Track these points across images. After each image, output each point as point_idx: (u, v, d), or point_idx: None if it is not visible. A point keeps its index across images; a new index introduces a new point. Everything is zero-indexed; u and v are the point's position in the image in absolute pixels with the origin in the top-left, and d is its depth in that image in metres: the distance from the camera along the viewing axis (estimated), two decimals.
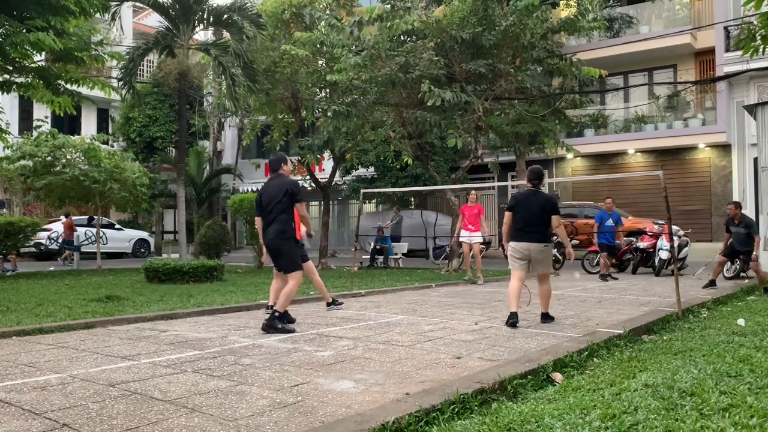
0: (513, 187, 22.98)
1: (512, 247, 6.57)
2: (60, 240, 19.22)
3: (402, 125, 15.13)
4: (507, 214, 6.70)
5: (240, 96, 16.31)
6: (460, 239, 12.02)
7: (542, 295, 6.58)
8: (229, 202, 16.63)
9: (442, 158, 22.62)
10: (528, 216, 6.50)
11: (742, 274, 11.84)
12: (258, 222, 6.43)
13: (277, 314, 6.03)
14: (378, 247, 17.52)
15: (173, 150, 28.47)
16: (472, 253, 11.93)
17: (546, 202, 6.57)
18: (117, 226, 24.58)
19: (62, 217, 19.83)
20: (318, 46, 15.41)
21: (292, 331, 6.00)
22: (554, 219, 6.50)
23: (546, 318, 6.58)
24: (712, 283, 10.21)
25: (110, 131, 28.97)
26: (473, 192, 12.08)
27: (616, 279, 12.30)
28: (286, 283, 6.26)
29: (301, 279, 6.32)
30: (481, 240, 11.89)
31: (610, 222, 12.54)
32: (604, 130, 21.50)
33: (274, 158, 6.54)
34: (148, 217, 28.84)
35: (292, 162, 24.01)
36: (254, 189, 28.49)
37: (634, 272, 13.82)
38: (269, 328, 5.97)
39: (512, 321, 6.26)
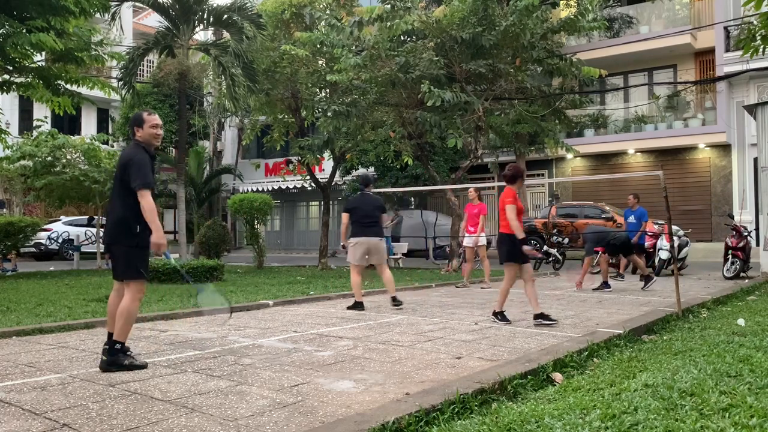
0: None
1: (357, 242, 7.84)
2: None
3: (402, 125, 15.13)
4: (345, 215, 7.96)
5: (240, 96, 16.30)
6: (464, 243, 11.42)
7: (387, 282, 7.92)
8: (229, 202, 16.63)
9: (442, 158, 22.63)
10: (365, 216, 7.86)
11: (742, 274, 11.84)
12: None
13: (118, 345, 4.37)
14: None
15: (173, 150, 28.47)
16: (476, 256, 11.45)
17: (377, 202, 8.06)
18: None
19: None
20: (318, 46, 15.42)
21: (144, 366, 4.40)
22: (383, 217, 8.10)
23: (395, 301, 7.76)
24: (605, 285, 10.19)
25: (110, 131, 28.96)
26: (471, 189, 11.49)
27: (623, 279, 12.06)
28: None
29: (143, 291, 4.55)
30: (483, 242, 11.25)
31: (632, 219, 12.07)
32: (604, 130, 21.53)
33: (131, 118, 4.77)
34: None
35: (291, 162, 24.06)
36: (254, 189, 28.54)
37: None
38: (111, 365, 4.31)
39: (358, 309, 7.66)
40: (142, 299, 4.58)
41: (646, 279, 10.30)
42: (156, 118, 4.68)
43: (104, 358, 4.33)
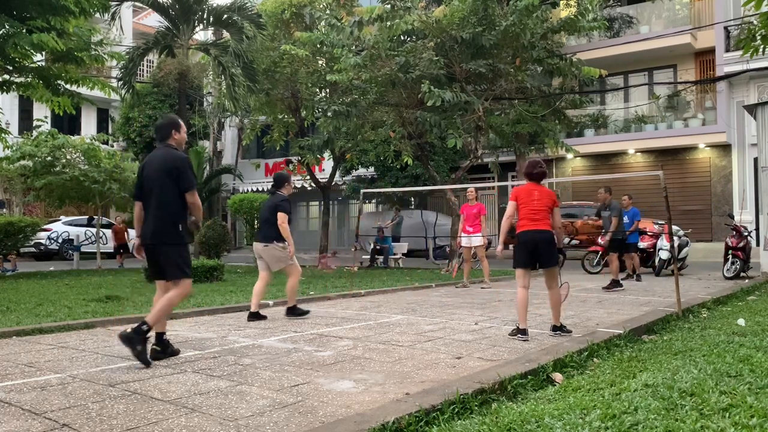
0: (513, 187, 23.00)
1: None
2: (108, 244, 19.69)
3: (402, 125, 15.14)
4: None
5: (240, 96, 16.33)
6: (462, 244, 11.25)
7: (287, 290, 7.11)
8: (229, 202, 16.65)
9: (442, 158, 22.63)
10: (261, 219, 7.10)
11: (742, 274, 11.84)
12: (137, 208, 4.81)
13: (145, 326, 4.45)
14: (378, 247, 17.52)
15: None
16: (474, 256, 11.34)
17: (272, 201, 6.99)
18: None
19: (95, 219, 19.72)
20: (318, 46, 15.43)
21: (147, 365, 4.43)
22: (279, 216, 6.78)
23: (291, 311, 7.05)
24: (616, 283, 10.16)
25: (110, 131, 28.98)
26: (471, 189, 11.36)
27: (639, 277, 12.03)
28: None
29: (189, 288, 4.78)
30: (480, 242, 11.03)
31: (626, 220, 12.20)
32: (604, 130, 21.52)
33: (162, 122, 4.91)
34: None
35: (291, 162, 24.04)
36: (254, 189, 28.55)
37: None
38: (126, 339, 4.39)
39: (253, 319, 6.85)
40: (187, 297, 4.82)
41: (615, 283, 10.29)
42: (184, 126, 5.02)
43: (127, 330, 4.39)
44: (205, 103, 29.67)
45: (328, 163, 21.30)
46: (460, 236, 11.26)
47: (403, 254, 18.49)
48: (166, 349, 4.77)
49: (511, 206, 5.89)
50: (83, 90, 14.49)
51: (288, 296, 7.17)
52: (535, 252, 5.70)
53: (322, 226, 18.06)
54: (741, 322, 6.14)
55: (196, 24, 17.98)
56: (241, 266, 16.38)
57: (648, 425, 2.94)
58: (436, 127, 13.62)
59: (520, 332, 5.56)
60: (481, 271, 11.53)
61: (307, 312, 7.17)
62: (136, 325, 4.43)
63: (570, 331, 5.70)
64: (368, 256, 17.75)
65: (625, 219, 12.06)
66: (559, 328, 5.71)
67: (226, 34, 19.00)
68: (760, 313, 6.87)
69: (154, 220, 4.64)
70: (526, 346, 5.16)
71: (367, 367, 4.43)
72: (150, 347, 4.60)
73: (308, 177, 19.21)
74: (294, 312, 7.12)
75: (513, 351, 4.97)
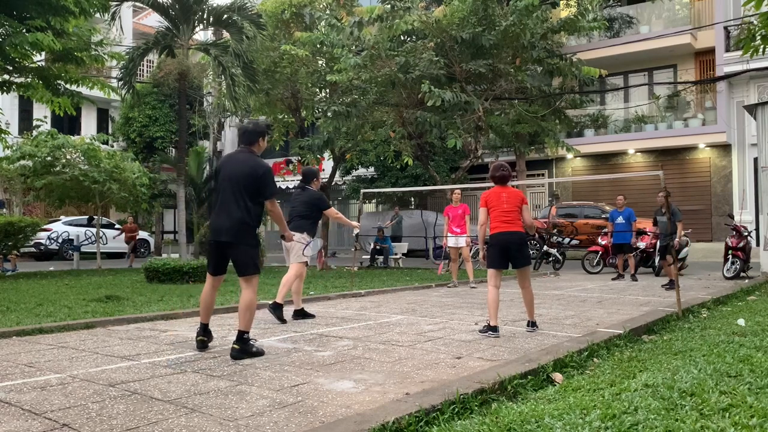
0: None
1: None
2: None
3: (402, 125, 15.14)
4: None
5: (240, 96, 16.33)
6: (448, 244, 11.28)
7: (292, 290, 6.91)
8: None
9: (442, 158, 22.63)
10: (293, 210, 7.12)
11: (742, 274, 11.83)
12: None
13: (246, 335, 4.81)
14: (378, 247, 17.53)
15: (173, 150, 28.49)
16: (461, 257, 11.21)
17: (309, 199, 7.11)
18: (117, 226, 24.58)
19: (97, 221, 19.56)
20: (318, 46, 15.44)
21: (262, 353, 4.83)
22: (328, 213, 7.25)
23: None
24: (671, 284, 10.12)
25: (110, 131, 28.98)
26: (457, 191, 11.33)
27: (622, 277, 12.19)
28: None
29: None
30: (464, 242, 10.96)
31: (620, 220, 12.23)
32: (604, 130, 21.55)
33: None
34: (148, 217, 28.85)
35: (291, 162, 24.09)
36: None
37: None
38: (243, 353, 4.74)
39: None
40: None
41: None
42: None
43: (236, 347, 4.72)
44: (205, 103, 29.67)
45: (328, 163, 21.29)
46: (447, 237, 11.24)
47: (403, 254, 18.49)
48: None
49: (482, 213, 6.02)
50: (83, 90, 14.49)
51: (293, 298, 7.07)
52: (507, 253, 5.90)
53: (322, 227, 18.04)
54: (741, 322, 6.14)
55: (196, 24, 17.98)
56: None
57: (648, 425, 2.94)
58: (436, 127, 13.63)
59: (491, 329, 5.71)
60: (482, 271, 11.51)
61: (312, 316, 7.03)
62: (236, 338, 4.78)
63: (537, 327, 5.99)
64: (368, 256, 17.75)
65: (620, 219, 12.20)
66: (533, 324, 6.00)
67: (226, 34, 19.00)
68: (760, 313, 6.87)
69: (230, 221, 4.95)
70: (526, 346, 5.16)
71: (367, 367, 4.43)
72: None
73: None
74: (302, 315, 6.97)
75: (513, 351, 4.97)
